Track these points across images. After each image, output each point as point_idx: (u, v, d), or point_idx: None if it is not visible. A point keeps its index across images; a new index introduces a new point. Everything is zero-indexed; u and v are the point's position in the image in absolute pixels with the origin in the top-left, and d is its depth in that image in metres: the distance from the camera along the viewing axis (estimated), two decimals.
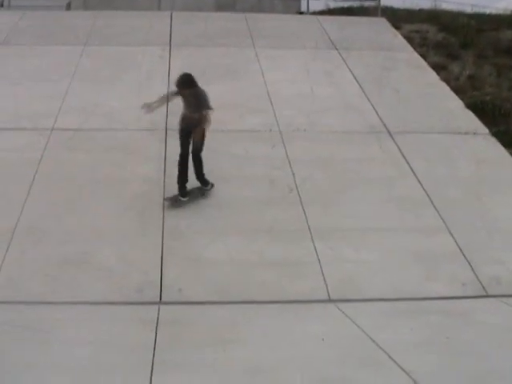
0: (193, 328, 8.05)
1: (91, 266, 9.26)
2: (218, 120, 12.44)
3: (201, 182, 10.85)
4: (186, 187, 10.64)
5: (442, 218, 10.44)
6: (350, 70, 15.16)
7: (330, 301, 8.91)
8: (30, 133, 12.08)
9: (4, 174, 10.94)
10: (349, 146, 12.17)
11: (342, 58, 15.70)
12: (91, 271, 9.17)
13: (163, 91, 13.30)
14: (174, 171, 10.74)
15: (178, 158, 10.62)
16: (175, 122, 11.77)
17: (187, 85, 10.44)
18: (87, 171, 11.05)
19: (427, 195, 10.93)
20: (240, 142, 12.04)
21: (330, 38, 16.94)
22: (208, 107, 10.38)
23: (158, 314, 8.37)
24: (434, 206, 10.69)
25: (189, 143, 10.63)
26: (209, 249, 9.60)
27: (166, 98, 10.93)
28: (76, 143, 11.82)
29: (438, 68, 15.57)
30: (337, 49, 16.25)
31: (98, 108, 12.78)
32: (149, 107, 10.76)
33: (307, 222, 10.21)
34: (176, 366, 7.10)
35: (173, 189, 10.65)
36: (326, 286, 9.13)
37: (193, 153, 10.65)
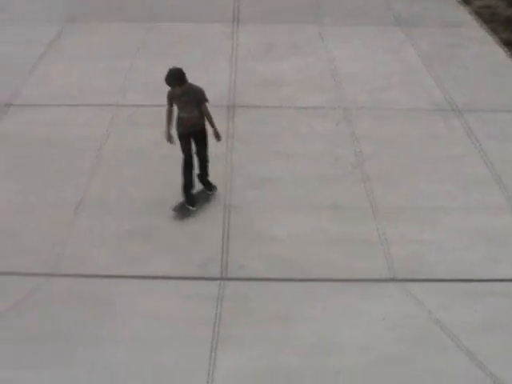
0: (255, 304, 8.09)
1: (155, 239, 9.33)
2: (283, 97, 12.48)
3: (205, 185, 10.27)
4: (193, 195, 10.03)
5: (508, 198, 10.26)
6: (415, 46, 14.94)
7: (393, 280, 8.82)
8: (95, 108, 12.23)
9: (71, 148, 11.11)
10: (414, 124, 12.02)
11: (408, 35, 15.48)
12: (155, 245, 9.24)
13: (228, 68, 13.40)
14: (238, 148, 10.77)
15: (189, 161, 9.91)
16: (239, 99, 11.85)
17: (178, 80, 9.44)
18: (151, 146, 11.11)
19: (494, 174, 10.74)
20: (304, 119, 11.99)
21: (395, 14, 16.72)
22: (205, 100, 9.62)
23: (221, 289, 8.42)
24: (501, 185, 10.49)
25: (191, 146, 9.89)
26: (271, 225, 9.58)
27: (169, 113, 9.79)
28: (140, 119, 11.91)
29: (507, 45, 15.25)
30: (402, 25, 16.03)
31: (162, 84, 12.79)
32: (169, 136, 9.82)
33: (371, 199, 10.12)
34: (238, 341, 7.17)
35: (237, 165, 10.74)
36: (390, 264, 9.03)
37: (200, 155, 10.04)
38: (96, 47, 14.53)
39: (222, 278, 8.71)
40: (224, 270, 8.86)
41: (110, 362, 6.70)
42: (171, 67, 9.53)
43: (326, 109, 12.36)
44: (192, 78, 12.28)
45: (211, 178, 10.19)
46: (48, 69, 13.75)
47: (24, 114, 12.18)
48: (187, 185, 9.94)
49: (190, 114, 9.65)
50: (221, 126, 11.49)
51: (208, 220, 9.71)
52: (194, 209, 9.91)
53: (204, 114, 9.67)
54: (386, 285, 8.73)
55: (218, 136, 9.83)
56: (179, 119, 9.79)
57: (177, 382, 6.36)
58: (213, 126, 9.75)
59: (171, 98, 9.70)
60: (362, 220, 9.76)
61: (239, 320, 7.67)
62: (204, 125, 9.79)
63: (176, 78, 9.44)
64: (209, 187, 10.24)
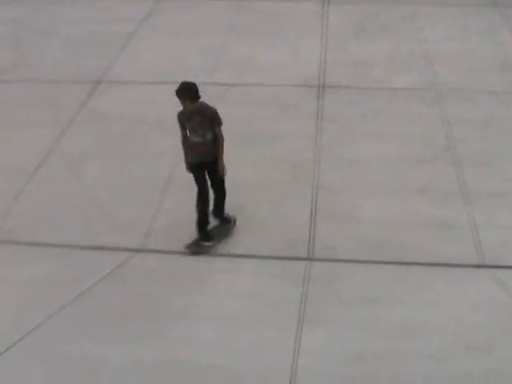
0: (342, 286, 8.05)
1: (243, 218, 9.37)
2: (373, 77, 12.33)
3: (221, 219, 9.23)
4: (209, 231, 9.01)
5: None
6: (511, 28, 14.58)
7: (481, 266, 8.65)
8: None
9: (160, 126, 11.20)
10: (507, 107, 11.73)
11: (504, 16, 15.10)
12: (243, 224, 9.29)
13: (318, 47, 13.28)
14: (328, 128, 10.67)
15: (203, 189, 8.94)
16: (329, 79, 11.76)
17: (191, 94, 8.52)
18: (242, 125, 11.11)
19: None
20: (395, 100, 11.83)
21: None
22: (219, 122, 8.76)
23: (308, 270, 8.40)
24: None
25: (205, 179, 8.87)
26: (360, 206, 9.50)
27: (185, 138, 8.85)
28: (231, 98, 11.92)
29: None
30: (498, 6, 15.63)
31: (252, 63, 12.83)
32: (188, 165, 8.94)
33: (462, 183, 9.93)
34: (323, 322, 7.15)
35: (326, 146, 10.69)
36: (479, 250, 8.87)
37: (216, 190, 9.04)
38: (186, 25, 14.61)
39: (309, 259, 8.69)
40: (311, 250, 8.83)
41: (197, 337, 6.76)
42: (183, 81, 8.71)
43: (417, 90, 12.15)
44: (281, 56, 12.36)
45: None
46: (139, 46, 13.91)
47: (114, 91, 12.36)
48: (202, 221, 8.94)
49: (203, 139, 8.67)
50: (311, 107, 11.51)
51: (296, 200, 9.67)
52: (211, 244, 8.96)
53: (216, 138, 8.74)
54: (475, 270, 8.58)
55: (221, 170, 8.82)
56: (191, 145, 8.77)
57: (263, 360, 6.38)
58: (219, 154, 8.77)
59: (182, 120, 8.77)
60: (452, 204, 9.60)
61: (325, 301, 7.64)
62: (217, 154, 8.82)
63: (189, 91, 8.54)
64: (226, 220, 9.26)
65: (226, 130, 10.93)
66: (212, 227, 9.14)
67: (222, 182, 9.00)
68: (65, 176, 10.30)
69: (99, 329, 7.00)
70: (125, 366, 6.22)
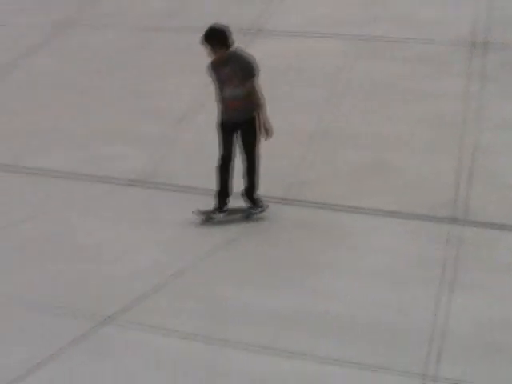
0: (488, 251, 7.76)
1: (388, 174, 9.23)
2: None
3: (251, 201, 8.19)
4: (226, 203, 8.11)
5: None
6: None
7: None
8: (341, 39, 12.18)
9: (310, 78, 11.09)
10: None
11: None
12: (388, 180, 9.13)
13: (481, 2, 12.74)
14: (489, 88, 10.41)
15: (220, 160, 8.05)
16: (491, 37, 11.29)
17: (220, 39, 7.53)
18: (396, 81, 10.94)
19: None
20: None
21: None
22: (253, 73, 7.66)
23: (453, 232, 8.12)
24: None
25: (233, 143, 7.88)
26: None
27: (217, 91, 7.92)
28: (387, 53, 11.71)
29: None
30: None
31: (411, 18, 12.52)
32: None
33: None
34: (467, 286, 7.00)
35: (486, 106, 10.32)
36: None
37: (247, 157, 7.97)
38: None
39: (455, 221, 8.39)
40: (458, 212, 8.52)
41: (336, 291, 6.72)
42: (212, 24, 7.80)
43: None
44: (441, 12, 11.85)
45: None
46: None
47: (270, 41, 12.29)
48: (222, 191, 8.06)
49: (233, 93, 7.69)
50: (470, 65, 11.14)
51: (446, 160, 9.38)
52: (221, 215, 8.09)
53: (250, 93, 7.71)
54: None
55: (266, 130, 7.88)
56: (223, 101, 7.82)
57: (402, 318, 6.27)
58: (258, 112, 7.79)
59: (212, 71, 7.83)
60: None
61: (470, 265, 7.38)
62: (254, 114, 7.82)
63: (215, 37, 7.58)
64: (256, 203, 8.22)
65: (381, 85, 10.72)
66: (238, 207, 8.35)
67: (254, 150, 7.98)
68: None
69: (241, 275, 7.10)
70: (265, 314, 6.29)
